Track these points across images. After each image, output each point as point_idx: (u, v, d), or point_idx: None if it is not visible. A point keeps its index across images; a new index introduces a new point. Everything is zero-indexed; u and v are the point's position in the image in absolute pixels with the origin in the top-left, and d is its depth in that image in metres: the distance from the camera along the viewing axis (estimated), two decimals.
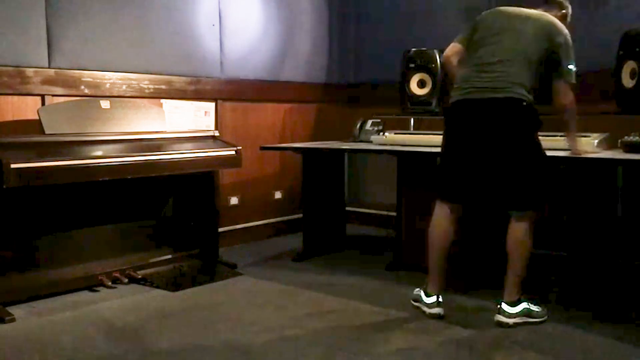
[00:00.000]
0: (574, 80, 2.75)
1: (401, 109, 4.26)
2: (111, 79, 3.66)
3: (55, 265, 3.19)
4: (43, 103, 3.36)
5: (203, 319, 2.87)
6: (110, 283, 3.29)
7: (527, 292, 2.86)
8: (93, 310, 2.98)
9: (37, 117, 3.15)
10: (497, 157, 2.72)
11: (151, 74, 3.85)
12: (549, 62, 2.74)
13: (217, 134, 3.85)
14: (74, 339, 2.62)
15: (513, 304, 2.78)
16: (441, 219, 2.88)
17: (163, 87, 3.92)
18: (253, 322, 2.83)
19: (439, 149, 3.41)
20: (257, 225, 4.58)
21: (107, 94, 3.60)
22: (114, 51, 3.67)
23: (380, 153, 3.82)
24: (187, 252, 3.77)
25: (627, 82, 3.24)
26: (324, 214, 4.17)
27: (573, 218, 3.09)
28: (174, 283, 3.39)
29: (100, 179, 3.07)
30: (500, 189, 2.77)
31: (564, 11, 2.91)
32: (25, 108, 3.31)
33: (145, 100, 3.76)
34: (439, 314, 2.84)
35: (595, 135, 3.15)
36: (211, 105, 4.22)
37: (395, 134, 3.87)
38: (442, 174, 2.91)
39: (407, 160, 3.73)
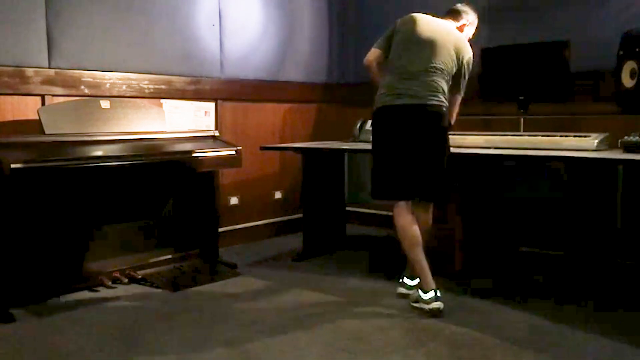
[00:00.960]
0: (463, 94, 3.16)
1: None
2: (111, 79, 3.66)
3: (55, 266, 3.19)
4: (43, 103, 3.36)
5: (203, 319, 2.87)
6: (110, 283, 3.29)
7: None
8: (93, 311, 2.98)
9: (37, 117, 3.15)
10: (423, 157, 2.96)
11: (151, 74, 3.85)
12: (456, 75, 3.06)
13: (217, 134, 3.85)
14: (73, 340, 2.62)
15: (413, 277, 3.10)
16: (406, 218, 3.02)
17: (163, 87, 3.92)
18: (253, 322, 2.83)
19: None
20: (257, 225, 4.57)
21: (107, 94, 3.60)
22: (114, 51, 3.67)
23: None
24: (187, 252, 3.77)
25: (627, 82, 3.24)
26: (324, 214, 4.17)
27: (572, 218, 3.09)
28: (174, 283, 3.39)
29: (100, 179, 3.06)
30: (425, 183, 3.00)
31: (464, 22, 3.20)
32: (25, 108, 3.31)
33: (145, 100, 3.76)
34: (439, 308, 2.88)
35: (595, 135, 3.15)
36: (211, 105, 4.22)
37: None
38: (375, 174, 3.10)
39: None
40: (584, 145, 3.12)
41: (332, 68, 5.09)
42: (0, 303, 2.89)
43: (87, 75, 3.55)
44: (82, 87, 3.53)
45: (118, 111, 3.44)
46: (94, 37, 3.57)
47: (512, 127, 3.80)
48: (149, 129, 3.52)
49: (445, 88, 2.99)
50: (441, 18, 3.17)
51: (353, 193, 4.44)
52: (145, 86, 3.82)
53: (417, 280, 3.04)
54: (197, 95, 4.12)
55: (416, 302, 2.97)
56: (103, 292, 3.24)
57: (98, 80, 3.60)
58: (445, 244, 3.52)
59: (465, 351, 2.48)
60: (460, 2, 3.31)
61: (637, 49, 3.19)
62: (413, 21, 3.07)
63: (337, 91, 5.07)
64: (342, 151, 4.14)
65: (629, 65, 3.24)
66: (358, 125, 4.20)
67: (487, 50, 4.06)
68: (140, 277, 3.40)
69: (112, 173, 3.09)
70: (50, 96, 3.39)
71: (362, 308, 3.02)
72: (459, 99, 3.17)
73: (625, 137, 3.00)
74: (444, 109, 2.97)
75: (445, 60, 2.99)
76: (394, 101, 2.96)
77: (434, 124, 2.95)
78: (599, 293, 3.15)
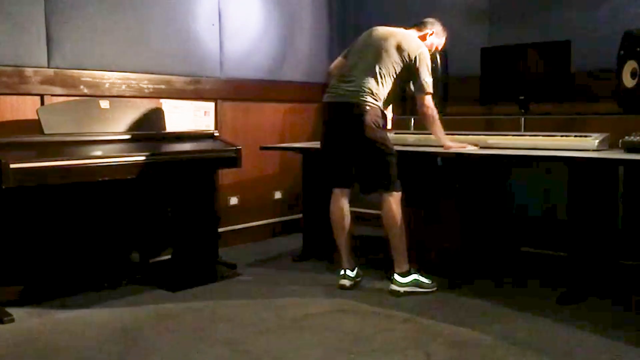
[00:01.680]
0: (430, 90, 3.24)
1: (401, 108, 4.25)
2: (110, 78, 3.65)
3: (55, 266, 3.18)
4: (42, 103, 3.35)
5: (203, 319, 2.86)
6: (109, 283, 3.28)
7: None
8: (92, 311, 2.98)
9: (36, 117, 3.15)
10: (353, 150, 3.24)
11: (151, 73, 3.85)
12: (409, 75, 3.25)
13: (217, 133, 3.85)
14: (73, 340, 2.61)
15: (403, 274, 3.22)
16: (337, 204, 3.37)
17: (163, 87, 3.91)
18: (253, 322, 2.82)
19: (439, 149, 3.43)
20: (257, 225, 4.57)
21: (107, 94, 3.59)
22: (114, 51, 3.66)
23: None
24: (187, 252, 3.76)
25: (628, 82, 3.24)
26: (324, 214, 4.16)
27: (574, 218, 3.09)
28: (174, 283, 3.38)
29: (100, 179, 3.06)
30: (361, 174, 3.31)
31: (427, 31, 3.42)
32: (24, 108, 3.30)
33: (144, 100, 3.76)
34: (345, 285, 3.31)
35: (595, 135, 3.15)
36: (211, 105, 4.21)
37: (395, 133, 3.87)
38: (325, 165, 3.42)
39: (407, 159, 3.72)
40: (584, 145, 3.11)
41: None
42: (0, 303, 2.88)
43: (87, 75, 3.54)
44: (82, 87, 3.53)
45: (117, 111, 3.43)
46: (93, 36, 3.56)
47: (512, 127, 3.80)
48: (149, 129, 3.51)
49: (376, 87, 3.19)
50: (406, 29, 3.37)
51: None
52: (145, 86, 3.82)
53: (410, 278, 3.22)
54: (197, 95, 4.11)
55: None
56: (103, 292, 3.24)
57: (97, 80, 3.60)
58: (444, 244, 3.51)
59: (466, 352, 2.48)
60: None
61: (637, 49, 3.18)
62: (369, 32, 3.36)
63: None
64: None
65: (630, 65, 3.23)
66: None
67: (487, 50, 4.06)
68: (140, 277, 3.40)
69: (112, 173, 3.09)
70: (49, 96, 3.38)
71: (362, 308, 3.01)
72: (420, 96, 3.25)
73: (626, 137, 2.99)
74: (368, 107, 3.16)
75: (387, 64, 3.21)
76: (328, 99, 3.32)
77: (357, 121, 3.17)
78: (600, 293, 3.14)
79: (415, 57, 3.22)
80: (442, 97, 4.12)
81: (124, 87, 3.71)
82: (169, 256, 3.69)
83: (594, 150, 3.07)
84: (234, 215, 4.39)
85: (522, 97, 3.85)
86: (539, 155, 3.15)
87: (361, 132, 3.18)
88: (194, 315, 2.93)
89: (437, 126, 3.33)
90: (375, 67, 3.21)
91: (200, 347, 2.53)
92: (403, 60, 3.22)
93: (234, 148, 3.67)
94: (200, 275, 3.57)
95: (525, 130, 3.81)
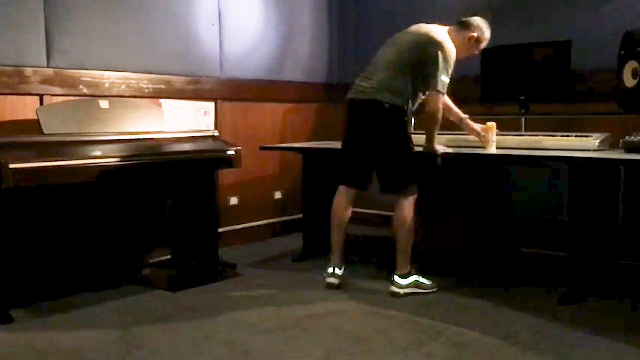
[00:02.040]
0: (443, 90, 3.10)
1: None
2: (110, 78, 3.65)
3: (55, 266, 3.18)
4: (42, 103, 3.35)
5: (203, 319, 2.86)
6: (109, 284, 3.28)
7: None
8: (93, 311, 2.98)
9: (35, 117, 3.14)
10: (370, 149, 3.21)
11: (150, 73, 3.85)
12: (425, 71, 3.10)
13: (216, 133, 3.84)
14: (73, 340, 2.61)
15: (404, 276, 3.20)
16: (342, 200, 3.36)
17: (162, 86, 3.91)
18: (253, 322, 2.82)
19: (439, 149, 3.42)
20: (257, 225, 4.57)
21: (106, 94, 3.59)
22: (113, 51, 3.66)
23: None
24: (186, 252, 3.76)
25: (629, 82, 3.24)
26: (324, 214, 4.15)
27: (574, 218, 3.08)
28: (174, 283, 3.38)
29: (99, 179, 3.05)
30: (379, 175, 3.25)
31: (473, 34, 3.25)
32: (23, 108, 3.30)
33: (144, 100, 3.75)
34: (333, 283, 3.31)
35: (596, 135, 3.15)
36: (211, 105, 4.21)
37: None
38: (341, 162, 3.37)
39: None
40: (585, 145, 3.11)
41: (332, 68, 5.09)
42: (0, 303, 2.88)
43: (86, 75, 3.54)
44: (81, 86, 3.52)
45: (117, 111, 3.43)
46: (93, 36, 3.56)
47: (513, 127, 3.79)
48: (148, 129, 3.51)
49: (397, 85, 3.11)
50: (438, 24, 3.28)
51: None
52: (145, 86, 3.81)
53: (410, 279, 3.21)
54: (197, 95, 4.11)
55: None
56: (103, 292, 3.23)
57: (97, 80, 3.59)
58: (445, 243, 3.51)
59: (466, 351, 2.47)
60: (473, 15, 3.39)
61: (638, 49, 3.18)
62: (403, 30, 3.28)
63: (337, 91, 5.06)
64: None
65: (630, 65, 3.23)
66: None
67: (487, 50, 4.04)
68: (139, 277, 3.39)
69: (111, 173, 3.08)
70: (49, 96, 3.38)
71: (363, 308, 3.01)
72: (432, 94, 3.11)
73: (627, 137, 2.99)
74: (387, 105, 3.10)
75: (402, 58, 3.13)
76: (349, 96, 3.26)
77: (377, 119, 3.14)
78: (600, 293, 3.14)
79: (436, 53, 3.07)
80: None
81: (123, 87, 3.71)
82: (169, 256, 3.68)
83: (594, 150, 3.06)
84: (234, 215, 4.38)
85: (522, 97, 3.85)
86: (539, 155, 3.14)
87: (378, 131, 3.16)
88: (194, 315, 2.92)
89: (437, 129, 3.27)
90: (392, 63, 3.14)
91: (200, 347, 2.53)
92: (419, 55, 3.11)
93: (234, 148, 3.67)
94: (200, 275, 3.57)
95: (525, 130, 3.81)
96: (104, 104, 3.39)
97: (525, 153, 3.19)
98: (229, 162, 3.69)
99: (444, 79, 3.09)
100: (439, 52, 3.07)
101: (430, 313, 2.91)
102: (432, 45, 3.09)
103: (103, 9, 3.60)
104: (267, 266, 3.85)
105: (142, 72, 3.80)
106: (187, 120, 4.06)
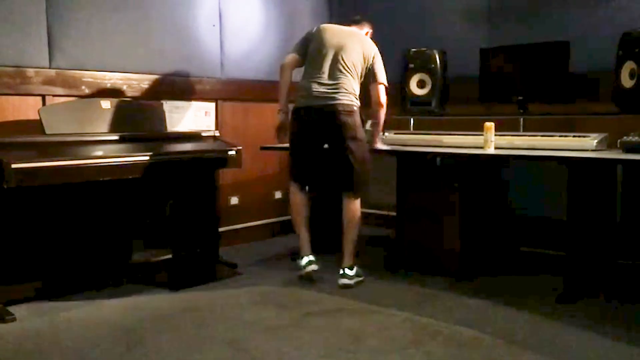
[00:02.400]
0: (386, 83, 3.46)
1: (401, 109, 4.26)
2: (112, 79, 3.66)
3: (56, 265, 3.19)
4: (44, 103, 3.36)
5: (203, 319, 2.87)
6: (110, 283, 3.29)
7: None
8: (93, 311, 2.99)
9: (37, 117, 3.15)
10: (335, 151, 3.36)
11: (152, 74, 3.86)
12: (367, 72, 3.43)
13: (217, 134, 3.86)
14: (74, 339, 2.62)
15: (351, 267, 3.40)
16: (299, 196, 3.54)
17: (163, 87, 3.92)
18: (253, 322, 2.83)
19: (439, 149, 3.46)
20: (257, 225, 4.58)
21: (108, 94, 3.60)
22: (115, 51, 3.67)
23: (380, 153, 3.82)
24: (187, 252, 3.77)
25: (627, 82, 3.25)
26: (324, 214, 4.17)
27: (573, 218, 3.10)
28: (174, 283, 3.39)
29: (101, 179, 3.07)
30: (338, 176, 3.41)
31: (370, 31, 3.64)
32: (25, 108, 3.31)
33: (145, 101, 3.76)
34: (314, 270, 3.44)
35: (594, 135, 3.16)
36: (211, 106, 4.22)
37: (395, 134, 3.88)
38: (292, 163, 3.56)
39: (407, 160, 3.73)
40: (583, 145, 3.12)
41: None
42: (1, 302, 2.89)
43: (88, 76, 3.55)
44: (83, 87, 3.53)
45: (118, 111, 3.44)
46: (94, 37, 3.57)
47: (511, 127, 3.80)
48: (150, 130, 3.52)
49: (356, 88, 3.37)
50: (348, 26, 3.56)
51: None
52: (146, 86, 3.83)
53: (355, 270, 3.39)
54: (198, 95, 4.12)
55: (298, 269, 3.47)
56: (103, 292, 3.25)
57: (98, 81, 3.60)
58: (444, 243, 3.52)
59: (465, 351, 2.49)
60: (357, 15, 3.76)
61: (636, 50, 3.19)
62: (324, 30, 3.46)
63: None
64: None
65: (629, 66, 3.24)
66: None
67: (487, 51, 4.07)
68: (140, 277, 3.40)
69: (113, 173, 3.09)
70: (50, 96, 3.39)
71: (362, 307, 3.02)
72: (381, 87, 3.45)
73: (625, 137, 3.00)
74: (355, 107, 3.35)
75: (355, 61, 3.36)
76: (309, 102, 3.35)
77: (343, 122, 3.30)
78: (599, 293, 3.15)
79: (374, 55, 3.44)
80: (442, 97, 4.14)
81: (125, 87, 3.72)
82: (169, 256, 3.69)
83: (592, 150, 3.08)
84: (234, 215, 4.39)
85: (521, 98, 3.86)
86: (538, 155, 3.16)
87: (347, 134, 3.32)
88: (194, 315, 2.93)
89: (383, 119, 3.52)
90: (351, 67, 3.36)
91: (200, 347, 2.54)
92: (365, 59, 3.41)
93: (235, 148, 3.68)
94: (200, 275, 3.58)
95: (524, 131, 3.82)
96: (105, 104, 3.41)
97: (524, 153, 3.20)
98: (229, 162, 3.70)
99: (384, 73, 3.47)
100: (377, 53, 3.47)
101: (430, 312, 2.92)
102: (370, 48, 3.44)
103: (104, 10, 3.61)
104: (267, 266, 3.86)
105: (143, 73, 3.81)
106: (188, 121, 4.07)
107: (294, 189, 3.56)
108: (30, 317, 2.89)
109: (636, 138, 2.95)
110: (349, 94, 3.33)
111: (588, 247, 3.17)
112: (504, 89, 4.00)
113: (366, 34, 3.61)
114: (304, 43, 3.49)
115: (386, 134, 3.88)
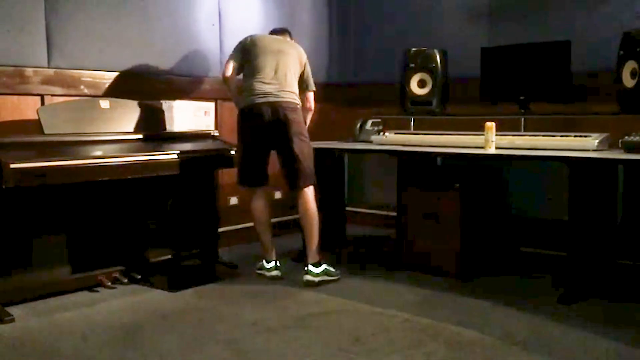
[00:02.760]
0: (315, 89, 3.71)
1: (401, 109, 4.25)
2: (110, 78, 3.66)
3: (55, 266, 3.18)
4: (42, 103, 3.35)
5: (203, 319, 2.87)
6: (109, 283, 3.29)
7: None
8: (92, 311, 2.98)
9: (36, 117, 3.15)
10: (283, 148, 3.45)
11: (151, 73, 3.85)
12: (300, 78, 3.62)
13: (217, 133, 3.85)
14: (73, 340, 2.61)
15: (316, 264, 3.41)
16: (261, 201, 3.62)
17: (163, 87, 3.91)
18: (253, 322, 2.82)
19: (439, 149, 3.45)
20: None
21: (107, 94, 3.59)
22: (114, 51, 3.66)
23: (380, 153, 3.82)
24: (187, 252, 3.77)
25: (628, 82, 3.25)
26: (324, 213, 4.16)
27: (574, 218, 3.09)
28: (174, 283, 3.39)
29: (100, 179, 3.06)
30: (290, 171, 3.49)
31: (293, 38, 3.80)
32: (24, 108, 3.30)
33: (144, 100, 3.75)
34: (277, 275, 3.51)
35: (595, 135, 3.15)
36: (211, 105, 4.20)
37: (395, 134, 3.87)
38: (243, 166, 3.57)
39: (407, 160, 3.73)
40: (584, 145, 3.11)
41: (332, 68, 5.09)
42: (0, 303, 2.88)
43: (87, 75, 3.55)
44: (82, 87, 3.53)
45: (117, 111, 3.43)
46: (93, 36, 3.57)
47: (512, 127, 3.80)
48: (149, 129, 3.51)
49: (296, 88, 3.54)
50: (277, 34, 3.73)
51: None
52: (145, 86, 3.82)
53: (322, 268, 3.41)
54: (197, 95, 4.11)
55: (260, 269, 3.56)
56: (102, 293, 3.24)
57: (97, 80, 3.60)
58: (445, 243, 3.51)
59: (465, 351, 2.48)
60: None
61: (637, 49, 3.19)
62: (260, 38, 3.60)
63: (337, 91, 5.06)
64: (342, 151, 4.14)
65: (630, 65, 3.24)
66: (358, 125, 4.20)
67: (487, 50, 4.07)
68: (139, 277, 3.40)
69: (112, 173, 3.09)
70: (49, 96, 3.39)
71: (362, 308, 3.02)
72: (311, 95, 3.70)
73: (626, 137, 3.00)
74: (298, 105, 3.51)
75: (292, 64, 3.56)
76: (254, 100, 3.43)
77: (288, 119, 3.42)
78: (599, 293, 3.14)
79: (305, 62, 3.66)
80: (442, 97, 4.13)
81: (124, 87, 3.71)
82: (169, 256, 3.68)
83: (593, 150, 3.07)
84: (234, 215, 4.38)
85: (522, 97, 3.85)
86: (539, 155, 3.15)
87: (291, 130, 3.42)
88: (194, 315, 2.93)
89: (308, 120, 3.71)
90: (291, 69, 3.54)
91: (200, 347, 2.54)
92: (300, 64, 3.61)
93: (234, 148, 3.67)
94: (200, 275, 3.57)
95: (525, 130, 3.81)
96: (104, 104, 3.40)
97: (525, 153, 3.20)
98: (229, 162, 3.69)
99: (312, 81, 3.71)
100: (306, 58, 3.68)
101: (430, 313, 2.91)
102: (302, 55, 3.65)
103: (104, 9, 3.61)
104: None
105: (142, 72, 3.80)
106: (187, 120, 4.05)
107: (253, 195, 3.61)
108: (29, 317, 2.88)
109: (637, 138, 2.94)
110: (292, 93, 3.48)
111: (589, 247, 3.16)
112: (505, 88, 4.00)
113: (292, 40, 3.78)
114: (240, 52, 3.57)
115: (387, 133, 3.87)
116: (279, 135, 3.43)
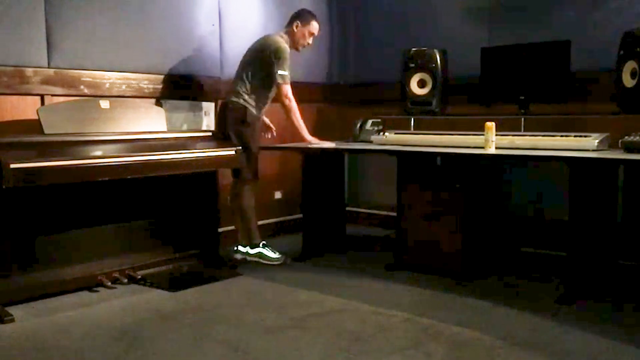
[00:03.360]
0: (286, 82, 3.75)
1: (401, 109, 4.25)
2: (111, 78, 3.66)
3: (55, 266, 3.18)
4: (42, 103, 3.35)
5: (203, 320, 2.87)
6: (109, 283, 3.28)
7: None
8: (92, 311, 2.98)
9: (36, 117, 3.14)
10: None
11: (151, 73, 3.85)
12: (271, 69, 3.73)
13: None
14: (73, 340, 2.61)
15: (245, 245, 3.91)
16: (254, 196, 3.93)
17: (163, 87, 3.91)
18: (253, 322, 2.82)
19: (439, 149, 3.45)
20: (257, 225, 4.55)
21: (107, 94, 3.59)
22: (114, 51, 3.66)
23: (380, 153, 3.82)
24: (187, 252, 3.77)
25: (628, 82, 3.24)
26: (324, 214, 4.17)
27: (574, 218, 3.09)
28: (174, 283, 3.39)
29: (100, 179, 3.06)
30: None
31: (294, 25, 3.90)
32: (24, 108, 3.30)
33: (145, 100, 3.76)
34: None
35: (595, 135, 3.15)
36: (211, 105, 4.21)
37: (395, 134, 3.87)
38: (256, 162, 3.86)
39: (407, 160, 3.73)
40: (584, 145, 3.11)
41: (332, 68, 5.09)
42: (0, 303, 2.88)
43: (87, 75, 3.55)
44: (82, 87, 3.53)
45: (117, 111, 3.43)
46: (93, 36, 3.57)
47: (512, 127, 3.79)
48: (149, 129, 3.51)
49: (244, 87, 3.74)
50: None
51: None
52: (145, 86, 3.82)
53: (256, 250, 3.88)
54: (197, 95, 4.11)
55: (265, 250, 3.92)
56: (102, 293, 3.24)
57: (97, 80, 3.60)
58: (445, 243, 3.51)
59: (466, 351, 2.48)
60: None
61: (637, 49, 3.19)
62: None
63: (337, 91, 5.06)
64: (342, 151, 4.14)
65: (630, 65, 3.24)
66: (358, 125, 4.20)
67: (487, 50, 4.07)
68: (139, 277, 3.40)
69: (112, 173, 3.09)
70: (49, 96, 3.39)
71: (362, 308, 3.01)
72: (279, 87, 3.75)
73: (626, 137, 3.00)
74: (239, 105, 3.74)
75: (244, 64, 3.77)
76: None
77: (230, 118, 3.74)
78: (599, 293, 3.14)
79: (270, 51, 3.71)
80: (442, 97, 4.13)
81: (124, 87, 3.71)
82: (169, 256, 3.68)
83: (593, 150, 3.07)
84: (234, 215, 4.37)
85: (522, 97, 3.85)
86: (539, 155, 3.15)
87: (230, 128, 3.74)
88: (194, 315, 2.93)
89: (295, 117, 3.84)
90: (240, 70, 3.78)
91: (200, 347, 2.53)
92: (263, 56, 3.72)
93: (234, 148, 3.67)
94: (200, 275, 3.57)
95: (525, 130, 3.81)
96: (104, 104, 3.40)
97: (525, 153, 3.20)
98: (229, 162, 3.69)
99: (284, 72, 3.74)
100: (277, 51, 3.72)
101: (430, 313, 2.91)
102: (268, 47, 3.75)
103: (104, 9, 3.60)
104: (267, 266, 3.85)
105: (142, 72, 3.80)
106: (187, 121, 4.06)
107: (254, 187, 3.89)
108: (28, 317, 2.88)
109: (637, 138, 2.94)
110: (234, 93, 3.79)
111: (589, 247, 3.16)
112: (505, 88, 4.00)
113: (293, 29, 3.89)
114: None
115: (387, 133, 3.87)
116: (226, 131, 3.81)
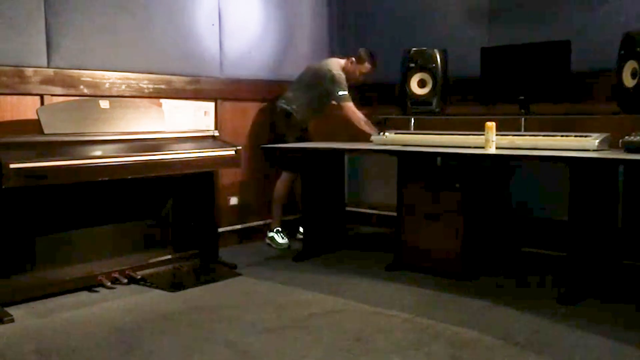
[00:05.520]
0: (346, 101, 4.16)
1: (401, 109, 4.25)
2: (110, 78, 3.65)
3: (55, 266, 3.18)
4: (42, 103, 3.35)
5: (203, 320, 2.86)
6: (109, 283, 3.28)
7: None
8: (92, 311, 2.98)
9: (36, 117, 3.14)
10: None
11: (151, 73, 3.85)
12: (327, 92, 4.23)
13: (216, 133, 3.84)
14: (73, 340, 2.61)
15: (270, 230, 4.36)
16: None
17: (162, 86, 3.91)
18: (253, 322, 2.82)
19: (439, 149, 3.44)
20: (257, 225, 4.56)
21: (107, 94, 3.59)
22: (113, 51, 3.66)
23: (380, 153, 3.81)
24: (187, 252, 3.76)
25: (628, 82, 3.24)
26: (324, 214, 4.16)
27: (574, 218, 3.09)
28: (174, 283, 3.38)
29: (100, 179, 3.06)
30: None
31: (352, 59, 4.33)
32: (24, 108, 3.30)
33: (144, 100, 3.76)
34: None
35: (596, 135, 3.15)
36: (211, 105, 4.21)
37: (395, 134, 3.87)
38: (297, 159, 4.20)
39: (407, 160, 3.72)
40: (585, 145, 3.11)
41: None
42: (0, 303, 2.88)
43: (86, 75, 3.54)
44: (81, 86, 3.52)
45: (117, 111, 3.43)
46: (93, 36, 3.56)
47: (513, 127, 3.79)
48: (149, 129, 3.51)
49: (299, 99, 4.27)
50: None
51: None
52: (145, 86, 3.82)
53: (270, 234, 4.34)
54: (197, 95, 4.11)
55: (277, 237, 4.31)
56: (103, 293, 3.24)
57: (97, 80, 3.59)
58: (445, 243, 3.51)
59: (466, 351, 2.47)
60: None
61: (638, 49, 3.19)
62: None
63: None
64: (342, 151, 4.14)
65: (630, 65, 3.23)
66: None
67: (487, 50, 4.06)
68: (139, 277, 3.40)
69: (112, 173, 3.08)
70: (49, 96, 3.38)
71: (362, 308, 3.01)
72: (343, 106, 4.16)
73: (626, 137, 2.99)
74: (286, 111, 4.28)
75: (303, 82, 4.30)
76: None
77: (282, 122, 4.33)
78: (600, 293, 3.14)
79: (324, 76, 4.18)
80: (442, 97, 4.13)
81: (123, 87, 3.71)
82: (169, 256, 3.68)
83: (594, 150, 3.07)
84: (234, 215, 4.38)
85: (522, 97, 3.85)
86: (539, 155, 3.14)
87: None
88: (194, 315, 2.93)
89: (364, 125, 4.14)
90: (298, 85, 4.33)
91: (200, 347, 2.53)
92: (318, 78, 4.21)
93: (234, 148, 3.67)
94: (200, 275, 3.57)
95: (525, 130, 3.81)
96: (104, 104, 3.40)
97: (525, 153, 3.19)
98: (229, 162, 3.69)
99: (342, 92, 4.17)
100: (332, 76, 4.18)
101: (431, 313, 2.91)
102: (324, 73, 4.25)
103: (103, 9, 3.60)
104: (267, 266, 3.85)
105: (142, 72, 3.80)
106: (187, 120, 4.06)
107: (293, 178, 4.31)
108: (28, 317, 2.88)
109: (638, 138, 2.94)
110: (284, 100, 4.36)
111: (589, 247, 3.16)
112: (505, 88, 3.99)
113: (348, 60, 4.31)
114: None
115: (387, 133, 3.87)
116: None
